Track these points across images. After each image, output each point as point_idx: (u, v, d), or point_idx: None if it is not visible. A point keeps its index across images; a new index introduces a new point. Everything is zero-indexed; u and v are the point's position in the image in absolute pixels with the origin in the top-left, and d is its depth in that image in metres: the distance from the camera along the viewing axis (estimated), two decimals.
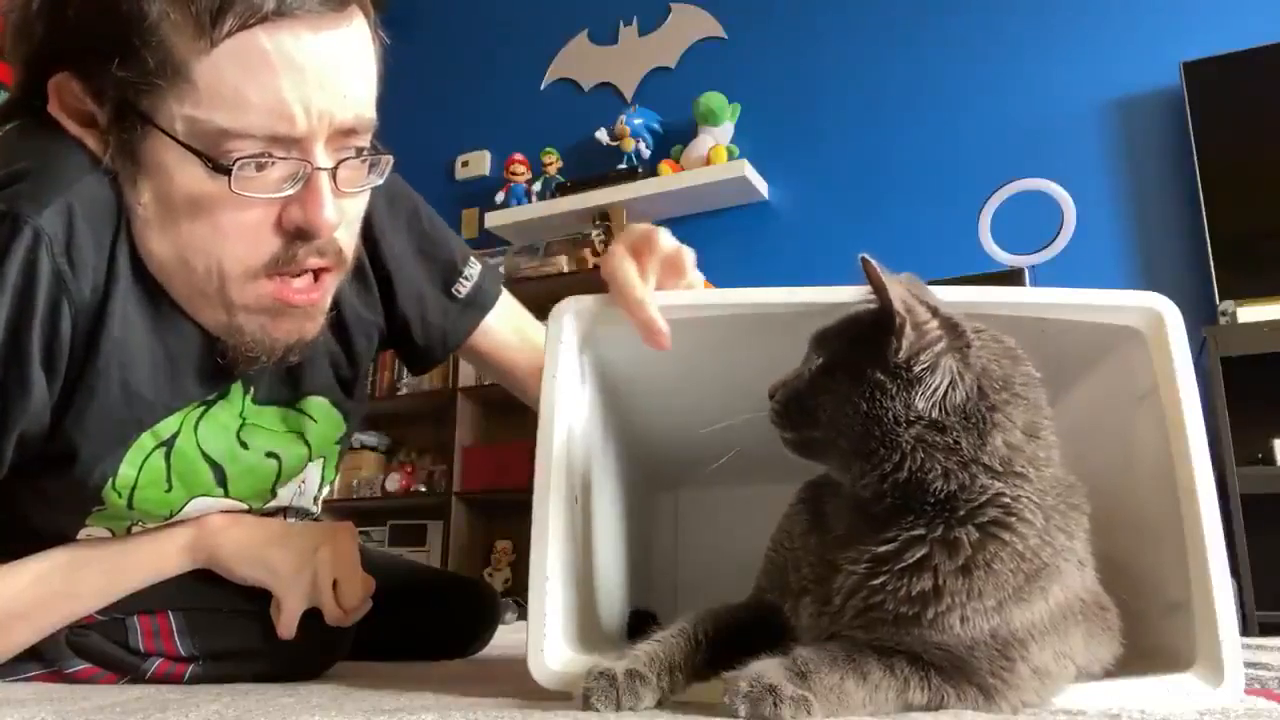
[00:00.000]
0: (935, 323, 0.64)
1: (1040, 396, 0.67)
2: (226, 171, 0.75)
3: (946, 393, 0.63)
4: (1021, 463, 0.63)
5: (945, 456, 0.62)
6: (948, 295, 0.80)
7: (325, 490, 1.11)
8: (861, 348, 0.65)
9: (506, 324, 1.15)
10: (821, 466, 0.73)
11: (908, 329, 0.63)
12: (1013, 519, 0.62)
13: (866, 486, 0.64)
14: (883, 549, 0.63)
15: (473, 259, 1.11)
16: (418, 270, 1.05)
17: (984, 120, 3.32)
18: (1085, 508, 0.68)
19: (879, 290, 0.64)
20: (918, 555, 0.62)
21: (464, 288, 1.09)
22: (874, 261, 0.63)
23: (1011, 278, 2.73)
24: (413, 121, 4.10)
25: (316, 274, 0.84)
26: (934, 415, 0.62)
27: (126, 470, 0.85)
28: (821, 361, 0.68)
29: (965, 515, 0.62)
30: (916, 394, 0.62)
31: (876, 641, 0.63)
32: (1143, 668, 0.74)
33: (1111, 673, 0.74)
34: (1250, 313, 2.64)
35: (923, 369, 0.63)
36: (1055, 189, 2.67)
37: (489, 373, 1.19)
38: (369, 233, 0.97)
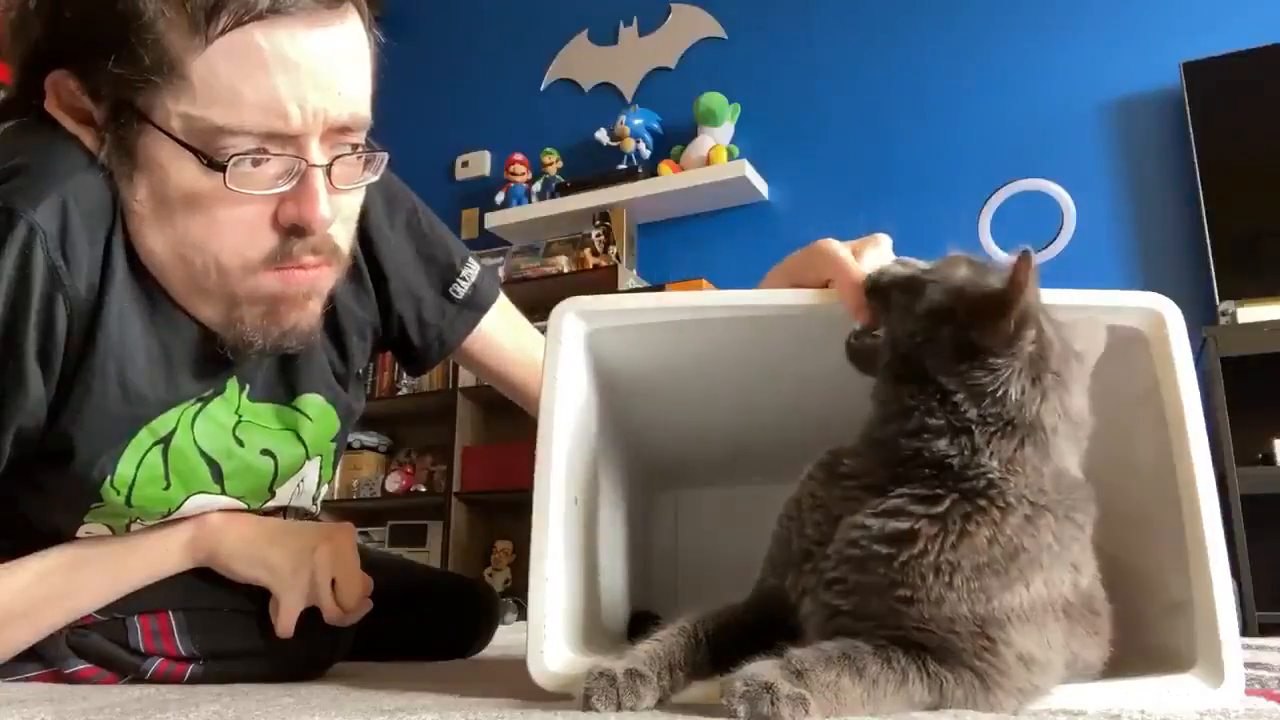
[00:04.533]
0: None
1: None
2: (221, 168, 0.75)
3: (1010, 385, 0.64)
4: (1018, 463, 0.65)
5: (960, 423, 0.64)
6: None
7: (323, 490, 1.11)
8: (961, 312, 0.66)
9: (503, 332, 1.15)
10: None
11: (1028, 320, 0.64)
12: (995, 494, 0.63)
13: (888, 420, 0.67)
14: (876, 500, 0.65)
15: (471, 259, 1.11)
16: (415, 270, 1.05)
17: (984, 120, 3.32)
18: (1088, 528, 0.68)
19: (1018, 281, 0.64)
20: (898, 503, 0.64)
21: (461, 288, 1.09)
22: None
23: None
24: (413, 121, 4.10)
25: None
26: (998, 394, 0.64)
27: (124, 468, 0.85)
28: (937, 299, 0.68)
29: (952, 485, 0.64)
30: (981, 371, 0.64)
31: (854, 599, 0.64)
32: (1143, 668, 0.74)
33: (1112, 672, 0.74)
34: (1250, 313, 2.64)
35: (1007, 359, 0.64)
36: (1055, 189, 2.67)
37: (488, 378, 1.20)
38: (365, 232, 0.97)
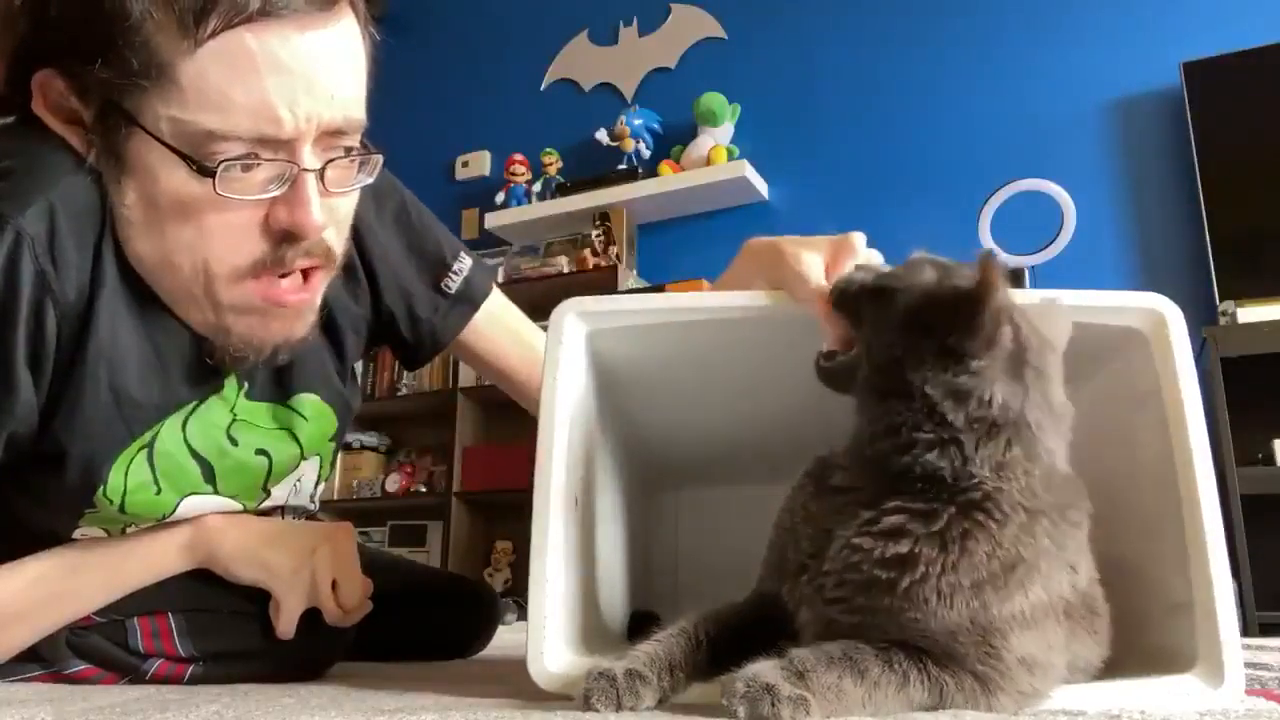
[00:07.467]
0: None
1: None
2: (211, 173, 0.74)
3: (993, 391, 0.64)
4: (1015, 466, 0.65)
5: (950, 437, 0.64)
6: None
7: (321, 488, 1.11)
8: (935, 317, 0.65)
9: (500, 325, 1.14)
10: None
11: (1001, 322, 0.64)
12: (991, 505, 0.63)
13: (876, 438, 0.66)
14: (869, 514, 0.65)
15: (463, 253, 1.10)
16: (405, 266, 1.04)
17: (984, 120, 3.32)
18: (1084, 525, 0.68)
19: (987, 281, 0.64)
20: (895, 521, 0.64)
21: (453, 282, 1.07)
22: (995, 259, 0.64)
23: (1011, 278, 2.72)
24: (413, 121, 4.10)
25: (306, 273, 0.84)
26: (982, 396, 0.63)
27: (115, 478, 0.85)
28: (910, 307, 0.67)
29: (948, 498, 0.64)
30: (964, 375, 0.64)
31: (856, 618, 0.64)
32: (1143, 668, 0.74)
33: (1112, 672, 0.74)
34: (1250, 313, 2.64)
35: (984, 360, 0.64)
36: (1055, 189, 2.67)
37: (487, 375, 1.19)
38: (354, 228, 0.97)
